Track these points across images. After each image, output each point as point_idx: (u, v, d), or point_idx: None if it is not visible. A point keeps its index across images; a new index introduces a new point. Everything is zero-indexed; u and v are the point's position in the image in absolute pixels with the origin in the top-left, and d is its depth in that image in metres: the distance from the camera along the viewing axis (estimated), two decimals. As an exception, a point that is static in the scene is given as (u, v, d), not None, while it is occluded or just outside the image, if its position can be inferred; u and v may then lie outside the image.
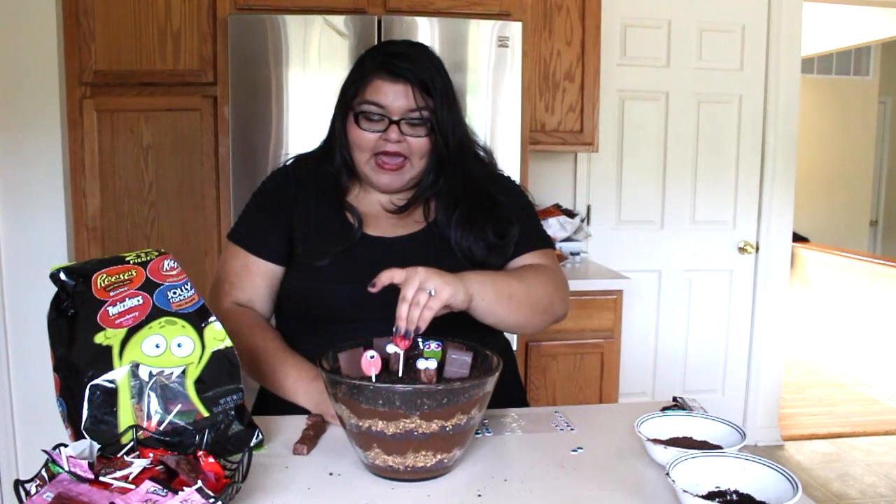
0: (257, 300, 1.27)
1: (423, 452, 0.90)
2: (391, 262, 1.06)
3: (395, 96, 1.19)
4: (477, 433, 1.08)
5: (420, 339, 1.02)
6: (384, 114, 1.20)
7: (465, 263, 1.20)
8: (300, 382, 1.15)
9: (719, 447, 0.98)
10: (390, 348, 1.00)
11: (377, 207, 1.29)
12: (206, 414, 0.94)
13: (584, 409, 1.26)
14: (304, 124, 2.35)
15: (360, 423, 0.89)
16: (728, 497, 0.85)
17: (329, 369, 0.95)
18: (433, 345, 1.02)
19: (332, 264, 1.20)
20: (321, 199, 1.27)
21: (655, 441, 0.97)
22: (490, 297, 1.09)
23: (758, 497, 0.84)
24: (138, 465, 0.83)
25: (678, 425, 1.03)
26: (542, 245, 1.31)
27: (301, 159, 1.34)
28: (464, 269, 1.14)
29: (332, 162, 1.28)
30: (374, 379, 0.95)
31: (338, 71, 2.35)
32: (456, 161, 1.26)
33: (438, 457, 0.91)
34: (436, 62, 1.24)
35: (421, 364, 0.95)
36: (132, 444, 0.88)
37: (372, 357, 0.95)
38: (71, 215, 2.53)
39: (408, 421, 0.87)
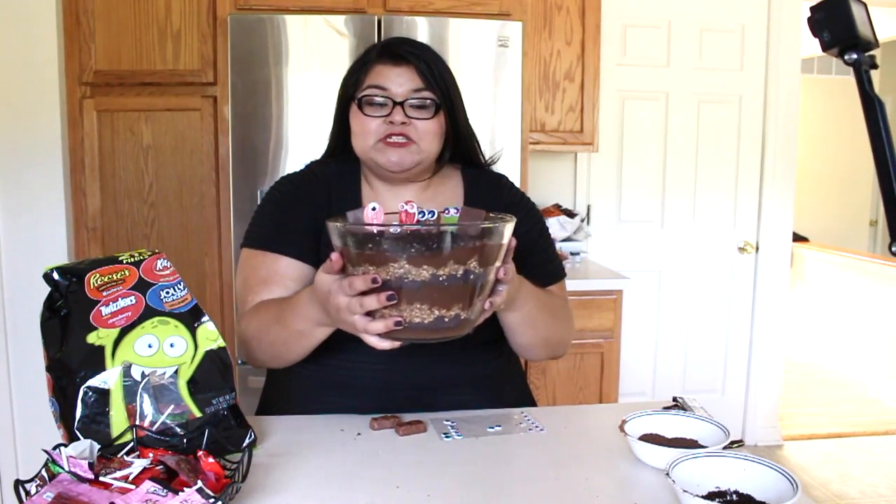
0: None
1: (418, 305, 0.86)
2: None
3: (397, 78, 1.15)
4: (476, 435, 1.07)
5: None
6: (388, 96, 1.15)
7: None
8: (303, 294, 1.05)
9: (695, 442, 0.99)
10: (400, 206, 0.97)
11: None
12: (198, 414, 0.94)
13: (584, 409, 1.26)
14: (304, 124, 2.35)
15: (354, 272, 0.87)
16: (728, 497, 0.85)
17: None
18: (452, 210, 1.00)
19: None
20: (340, 210, 1.20)
21: (643, 438, 0.98)
22: (524, 316, 1.12)
23: (758, 497, 0.84)
24: (138, 465, 0.83)
25: (664, 424, 1.03)
26: (560, 277, 1.30)
27: (313, 164, 1.29)
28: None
29: (340, 162, 1.24)
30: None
31: (338, 71, 2.32)
32: (471, 144, 1.26)
33: (436, 312, 0.87)
34: (437, 55, 1.21)
35: (422, 217, 0.94)
36: (132, 443, 0.88)
37: (374, 209, 0.93)
38: (71, 215, 2.53)
39: (396, 265, 0.84)
